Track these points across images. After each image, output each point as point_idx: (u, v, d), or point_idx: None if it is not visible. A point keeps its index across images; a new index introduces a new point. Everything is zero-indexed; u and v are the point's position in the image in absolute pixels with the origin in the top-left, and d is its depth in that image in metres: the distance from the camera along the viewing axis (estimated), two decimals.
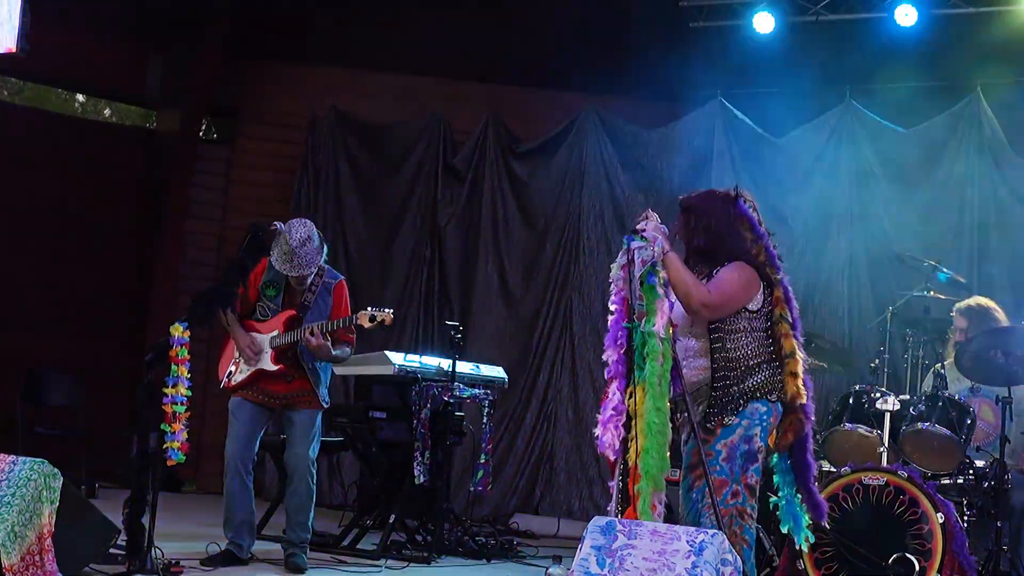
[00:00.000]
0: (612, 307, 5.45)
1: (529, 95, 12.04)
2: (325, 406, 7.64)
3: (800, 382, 5.53)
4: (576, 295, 11.48)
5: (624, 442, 5.28)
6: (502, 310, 11.65)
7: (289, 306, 7.59)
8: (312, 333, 7.36)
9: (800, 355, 5.56)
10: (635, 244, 5.39)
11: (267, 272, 7.62)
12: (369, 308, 7.45)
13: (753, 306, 5.58)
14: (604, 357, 5.41)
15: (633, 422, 5.25)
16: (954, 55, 10.43)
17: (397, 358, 8.84)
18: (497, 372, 9.45)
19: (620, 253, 5.44)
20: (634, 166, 11.52)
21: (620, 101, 11.76)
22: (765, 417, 5.53)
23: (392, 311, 7.51)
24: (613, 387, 5.35)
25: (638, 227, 5.44)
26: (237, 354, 7.61)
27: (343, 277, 7.78)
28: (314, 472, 7.57)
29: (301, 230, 7.41)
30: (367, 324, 7.43)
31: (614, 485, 5.34)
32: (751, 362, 5.53)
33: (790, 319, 5.60)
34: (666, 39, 10.76)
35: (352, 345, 7.66)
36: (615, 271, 5.45)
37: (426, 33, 11.33)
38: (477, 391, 8.89)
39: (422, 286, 11.77)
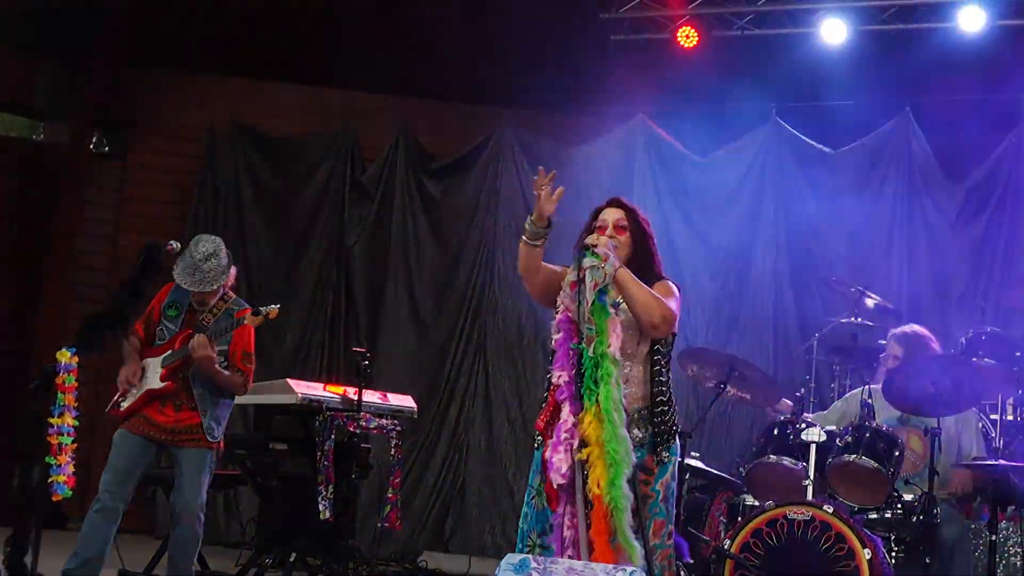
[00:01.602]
0: (557, 328, 5.44)
1: (443, 109, 12.07)
2: (215, 444, 7.54)
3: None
4: (491, 320, 11.50)
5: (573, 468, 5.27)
6: (412, 336, 11.63)
7: (188, 328, 7.56)
8: (200, 342, 7.31)
9: None
10: (587, 261, 5.36)
11: (171, 293, 7.61)
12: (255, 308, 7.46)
13: (676, 329, 5.67)
14: (554, 379, 5.39)
15: (587, 449, 5.23)
16: (884, 73, 10.63)
17: (300, 386, 8.80)
18: (406, 401, 9.43)
19: (570, 270, 5.43)
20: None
21: (540, 117, 11.81)
22: (678, 452, 5.69)
23: (278, 306, 7.50)
24: (566, 410, 5.31)
25: (589, 241, 5.45)
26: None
27: (250, 306, 7.73)
28: (202, 517, 7.48)
29: (207, 245, 7.42)
30: (254, 322, 7.42)
31: (560, 520, 5.34)
32: (670, 394, 5.63)
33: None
34: (587, 52, 10.86)
35: (247, 378, 7.61)
36: (564, 288, 5.43)
37: (334, 42, 11.33)
38: (385, 421, 8.88)
39: (328, 310, 11.72)
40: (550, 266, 5.70)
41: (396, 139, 11.80)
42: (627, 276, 5.42)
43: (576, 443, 5.25)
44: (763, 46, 10.85)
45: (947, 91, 10.39)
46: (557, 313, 5.45)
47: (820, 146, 10.79)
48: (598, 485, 5.16)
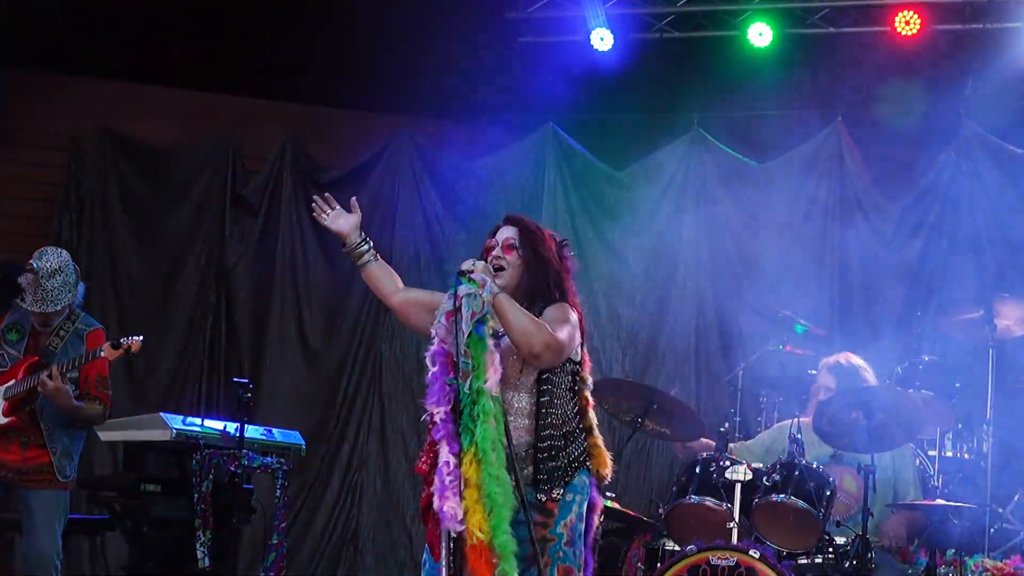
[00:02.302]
0: (431, 360, 5.40)
1: (334, 116, 12.01)
2: (67, 484, 7.42)
3: (607, 456, 5.67)
4: (386, 348, 11.46)
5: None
6: (300, 365, 11.56)
7: (33, 353, 7.42)
8: (50, 375, 7.17)
9: (598, 432, 5.69)
10: (463, 289, 5.33)
11: (11, 313, 7.46)
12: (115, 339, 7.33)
13: (576, 356, 5.63)
14: (429, 416, 5.36)
15: (465, 492, 5.20)
16: (814, 81, 10.73)
17: (175, 421, 8.70)
18: (293, 437, 9.36)
19: (445, 299, 5.39)
20: (455, 200, 11.55)
21: (440, 125, 11.80)
22: (589, 490, 5.61)
23: (141, 338, 7.40)
24: (444, 451, 5.28)
25: (464, 268, 5.41)
26: None
27: (101, 326, 7.61)
28: (59, 565, 7.37)
29: (52, 259, 7.28)
30: (112, 355, 7.30)
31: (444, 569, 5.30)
32: (570, 425, 5.57)
33: (589, 385, 5.72)
34: (492, 55, 10.87)
35: (105, 405, 7.49)
36: (439, 318, 5.40)
37: (215, 42, 11.23)
38: (269, 460, 8.80)
39: (207, 336, 11.61)
40: (425, 292, 5.81)
41: (282, 149, 11.73)
42: (505, 302, 5.39)
43: (461, 486, 5.23)
44: (684, 50, 10.93)
45: (882, 100, 10.52)
46: (431, 344, 5.43)
47: (746, 159, 10.89)
48: (480, 530, 5.14)
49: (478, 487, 5.17)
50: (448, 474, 5.25)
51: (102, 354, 7.28)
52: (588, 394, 5.70)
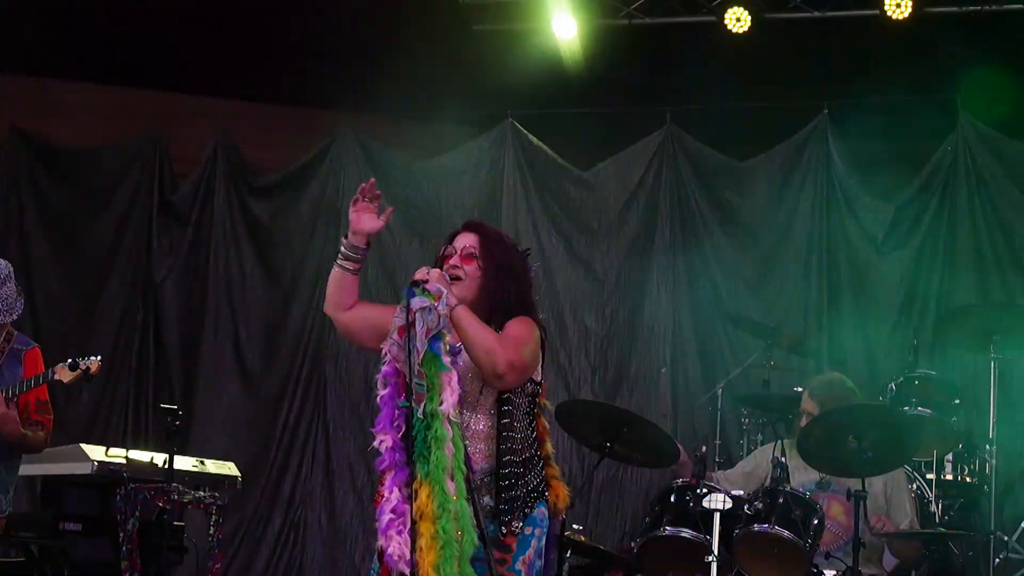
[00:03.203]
0: (382, 381, 5.40)
1: (270, 113, 12.08)
2: (2, 520, 7.46)
3: (565, 489, 5.71)
4: (331, 369, 11.49)
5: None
6: (236, 389, 11.58)
7: None
8: None
9: (556, 463, 5.73)
10: (416, 302, 5.29)
11: None
12: (69, 359, 7.35)
13: (536, 376, 5.64)
14: (376, 444, 5.35)
15: (417, 527, 5.18)
16: (798, 70, 10.79)
17: (96, 452, 8.71)
18: (229, 469, 9.37)
19: (397, 311, 5.35)
20: (405, 205, 11.54)
21: (387, 122, 11.85)
22: (547, 523, 5.63)
23: (99, 357, 7.44)
24: (389, 482, 5.29)
25: (418, 278, 5.37)
26: None
27: (37, 345, 7.66)
28: None
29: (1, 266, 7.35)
30: (67, 377, 7.31)
31: None
32: (528, 452, 5.59)
33: (548, 411, 5.78)
34: (444, 45, 10.88)
35: (47, 430, 7.52)
36: (390, 334, 5.38)
37: (137, 32, 11.23)
38: (202, 494, 8.82)
39: (132, 359, 11.62)
40: (377, 306, 5.74)
41: (214, 150, 11.78)
42: (465, 316, 5.39)
43: (409, 522, 5.21)
44: (656, 38, 10.97)
45: (871, 91, 10.58)
46: (383, 364, 5.42)
47: (724, 157, 10.96)
48: (436, 571, 5.13)
49: (432, 521, 5.15)
50: (391, 510, 5.27)
51: (55, 377, 7.33)
52: (545, 421, 5.73)
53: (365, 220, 5.58)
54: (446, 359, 5.30)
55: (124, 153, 11.90)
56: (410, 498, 5.23)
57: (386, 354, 5.41)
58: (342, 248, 5.63)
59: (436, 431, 5.21)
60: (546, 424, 5.73)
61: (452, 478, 5.20)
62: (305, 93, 11.62)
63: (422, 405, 5.24)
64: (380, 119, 11.84)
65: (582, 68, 10.90)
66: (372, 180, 5.63)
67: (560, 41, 10.89)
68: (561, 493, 5.68)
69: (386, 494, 5.30)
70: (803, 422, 8.40)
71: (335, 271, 5.65)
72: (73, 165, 11.91)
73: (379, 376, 5.42)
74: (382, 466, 5.34)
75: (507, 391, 5.54)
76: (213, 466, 9.27)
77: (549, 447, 5.72)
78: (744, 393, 9.77)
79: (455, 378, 5.31)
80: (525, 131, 11.36)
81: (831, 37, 10.66)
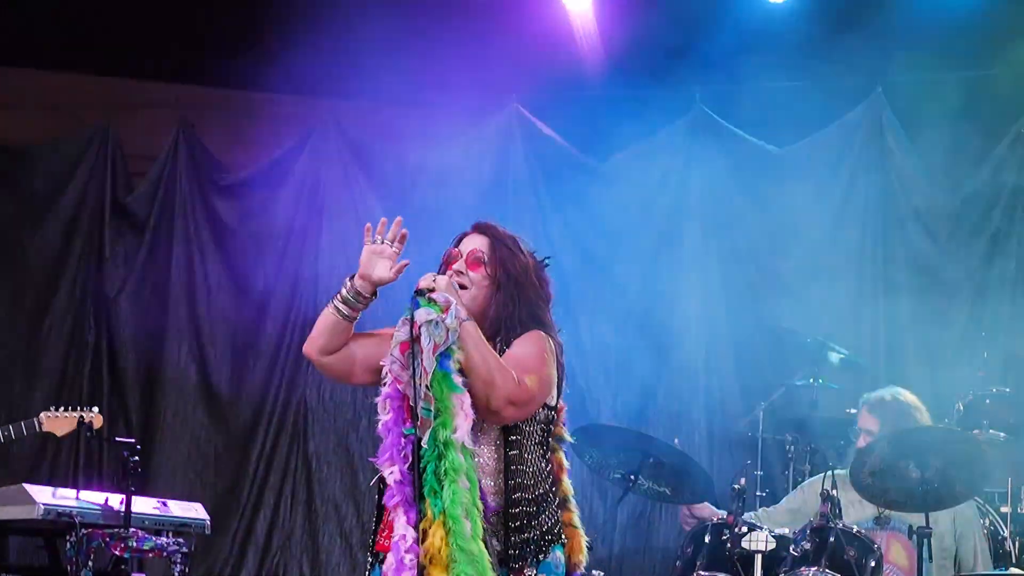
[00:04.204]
0: (383, 406, 5.41)
1: (238, 100, 12.07)
2: None
3: (583, 539, 5.67)
4: (313, 393, 11.47)
5: None
6: (203, 419, 11.55)
7: None
8: None
9: (574, 506, 5.71)
10: (422, 313, 5.28)
11: None
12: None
13: (551, 400, 5.61)
14: (386, 475, 5.36)
15: (427, 572, 5.18)
16: (847, 44, 10.74)
17: (43, 495, 8.71)
18: (195, 511, 9.39)
19: (399, 324, 5.35)
20: (398, 202, 11.53)
21: (374, 109, 11.84)
22: (563, 569, 5.58)
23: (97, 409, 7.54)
24: (401, 522, 5.29)
25: (423, 286, 5.39)
26: None
27: None
28: None
29: None
30: (60, 430, 7.42)
31: None
32: (541, 488, 5.54)
33: (565, 443, 5.74)
34: (439, 19, 10.87)
35: None
36: (391, 351, 5.38)
37: (83, 8, 11.22)
38: (164, 540, 8.82)
39: (83, 384, 11.59)
40: (369, 337, 5.66)
41: (174, 143, 11.74)
42: (472, 335, 5.37)
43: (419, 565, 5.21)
44: (682, 6, 10.94)
45: (931, 67, 10.57)
46: (384, 386, 5.40)
47: (762, 143, 10.94)
48: None
49: (446, 566, 5.16)
50: (406, 551, 5.25)
51: (42, 429, 7.41)
52: (563, 456, 5.71)
53: (379, 266, 5.52)
54: (458, 379, 5.29)
55: (70, 149, 11.85)
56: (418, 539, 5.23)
57: (387, 373, 5.40)
58: (343, 291, 5.54)
59: (451, 461, 5.21)
60: (563, 460, 5.72)
61: (468, 516, 5.19)
62: (277, 76, 11.56)
63: (429, 432, 5.23)
64: (366, 105, 11.82)
65: (597, 44, 10.87)
66: (398, 219, 5.58)
67: (571, 13, 10.89)
68: (578, 545, 5.65)
69: (397, 535, 5.29)
70: (861, 441, 8.39)
71: (328, 313, 5.56)
72: (13, 164, 11.87)
73: (379, 399, 5.42)
74: (391, 503, 5.34)
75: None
76: (177, 508, 9.28)
77: (567, 486, 5.70)
78: (788, 416, 9.74)
79: (468, 401, 5.30)
80: (533, 117, 11.33)
81: (886, 5, 10.61)
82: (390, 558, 5.29)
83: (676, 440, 9.34)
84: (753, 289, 10.86)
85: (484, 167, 11.46)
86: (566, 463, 5.71)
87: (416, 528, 5.24)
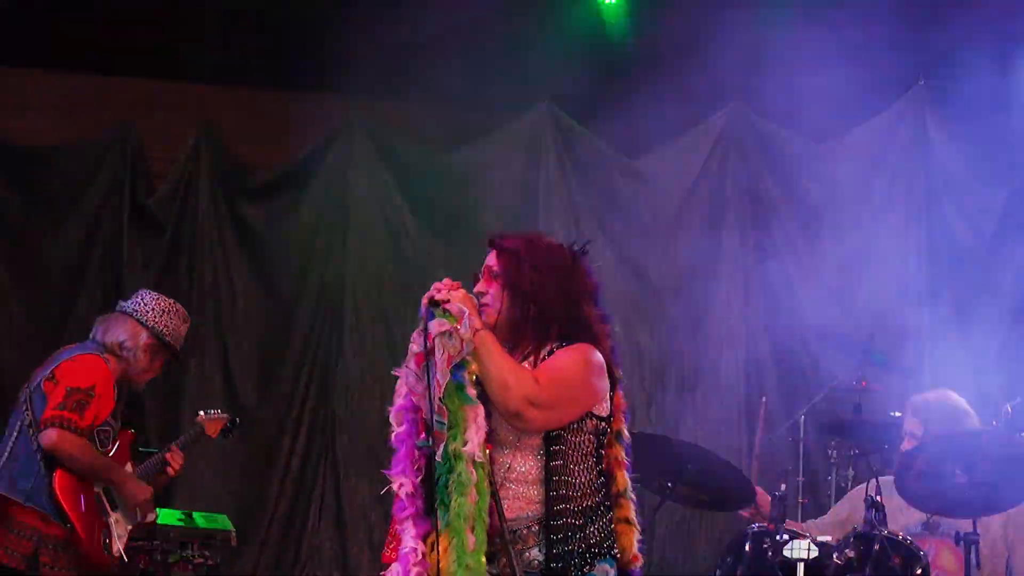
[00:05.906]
0: (396, 418, 5.43)
1: (262, 100, 12.07)
2: None
3: (636, 535, 5.63)
4: (342, 401, 11.47)
5: None
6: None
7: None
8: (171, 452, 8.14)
9: (632, 495, 5.66)
10: (436, 324, 5.29)
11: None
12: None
13: (602, 411, 5.55)
14: (395, 488, 5.39)
15: None
16: (889, 30, 10.68)
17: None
18: (221, 522, 9.38)
19: (413, 335, 5.36)
20: (426, 205, 11.56)
21: (402, 108, 11.84)
22: None
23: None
24: (409, 535, 5.32)
25: (438, 296, 5.36)
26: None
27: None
28: None
29: None
30: (215, 431, 8.40)
31: None
32: (589, 499, 5.51)
33: (625, 440, 5.67)
34: (469, 17, 10.85)
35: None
36: (405, 363, 5.40)
37: (103, 11, 11.24)
38: (190, 552, 8.81)
39: None
40: None
41: (196, 145, 11.73)
42: (488, 343, 5.35)
43: None
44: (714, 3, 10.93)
45: (977, 57, 10.51)
46: (397, 397, 5.43)
47: (800, 138, 10.89)
48: None
49: None
50: (415, 564, 5.28)
51: (203, 432, 8.42)
52: (621, 452, 5.65)
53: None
54: (471, 391, 5.29)
55: (91, 151, 11.86)
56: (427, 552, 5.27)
57: (401, 385, 5.43)
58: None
59: (460, 475, 5.22)
60: (622, 456, 5.65)
61: (473, 530, 5.19)
62: (303, 75, 11.58)
63: (442, 445, 5.25)
64: (394, 104, 11.81)
65: (630, 41, 10.86)
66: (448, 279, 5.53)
67: (605, 8, 10.88)
68: (630, 541, 5.62)
69: (405, 548, 5.32)
70: (906, 445, 8.33)
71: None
72: (32, 166, 11.88)
73: (392, 411, 5.44)
74: (401, 515, 5.37)
75: (556, 430, 5.47)
76: (202, 519, 9.27)
77: (624, 481, 5.65)
78: (830, 420, 9.69)
79: (482, 413, 5.31)
80: (565, 115, 11.29)
81: None
82: (396, 568, 5.33)
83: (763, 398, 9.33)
84: (792, 289, 10.81)
85: (515, 167, 11.43)
86: (624, 458, 5.65)
87: (424, 541, 5.29)
